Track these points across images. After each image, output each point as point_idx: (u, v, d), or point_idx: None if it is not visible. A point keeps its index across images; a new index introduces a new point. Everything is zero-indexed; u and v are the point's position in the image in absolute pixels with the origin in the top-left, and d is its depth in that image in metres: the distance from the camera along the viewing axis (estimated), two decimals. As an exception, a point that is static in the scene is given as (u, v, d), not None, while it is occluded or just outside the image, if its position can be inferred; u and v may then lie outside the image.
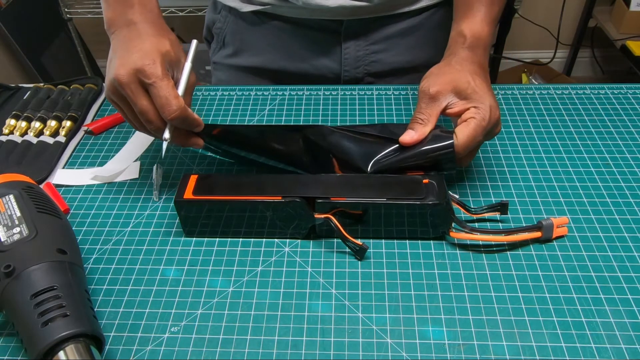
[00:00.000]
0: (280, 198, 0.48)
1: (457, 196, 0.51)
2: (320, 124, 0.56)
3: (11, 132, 0.65)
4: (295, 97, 0.70)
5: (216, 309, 0.45)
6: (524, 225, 0.51)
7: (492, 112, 0.49)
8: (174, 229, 0.52)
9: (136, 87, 0.46)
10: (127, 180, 0.58)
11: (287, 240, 0.51)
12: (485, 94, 0.50)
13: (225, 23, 0.77)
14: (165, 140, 0.48)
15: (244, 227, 0.50)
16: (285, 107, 0.68)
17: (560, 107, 0.67)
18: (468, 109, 0.50)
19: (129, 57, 0.47)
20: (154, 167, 0.58)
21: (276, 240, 0.51)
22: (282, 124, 0.65)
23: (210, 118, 0.67)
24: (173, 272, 0.48)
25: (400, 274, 0.47)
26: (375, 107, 0.68)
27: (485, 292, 0.45)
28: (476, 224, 0.52)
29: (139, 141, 0.64)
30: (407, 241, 0.50)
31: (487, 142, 0.61)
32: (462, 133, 0.48)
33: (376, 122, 0.65)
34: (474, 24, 0.55)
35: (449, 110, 0.51)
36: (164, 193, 0.57)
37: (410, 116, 0.66)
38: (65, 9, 1.73)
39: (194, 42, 0.51)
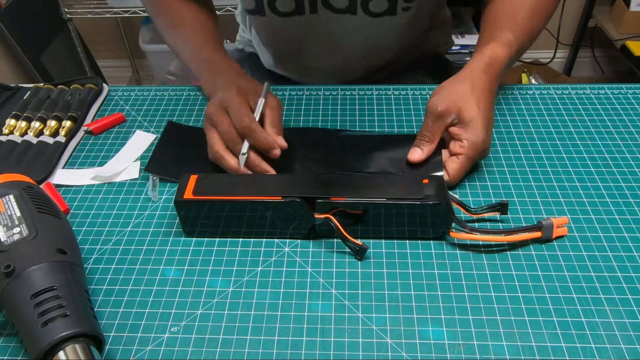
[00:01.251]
0: (280, 198, 0.48)
1: (457, 196, 0.51)
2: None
3: (11, 132, 0.65)
4: (295, 97, 0.70)
5: (216, 309, 0.45)
6: (524, 225, 0.51)
7: (483, 145, 0.53)
8: (174, 229, 0.52)
9: (221, 113, 0.55)
10: (127, 180, 0.58)
11: (287, 240, 0.51)
12: (482, 127, 0.52)
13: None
14: (243, 154, 0.53)
15: (244, 227, 0.50)
16: (285, 107, 0.68)
17: (560, 107, 0.67)
18: (462, 140, 0.53)
19: (216, 95, 0.57)
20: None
21: (276, 240, 0.51)
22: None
23: (210, 118, 0.67)
24: (173, 272, 0.48)
25: (400, 274, 0.47)
26: (375, 107, 0.68)
27: (485, 292, 0.45)
28: (476, 224, 0.52)
29: (139, 141, 0.64)
30: (407, 241, 0.50)
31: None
32: (452, 169, 0.53)
33: (376, 123, 0.65)
34: (497, 45, 0.58)
35: (450, 129, 0.54)
36: (163, 193, 0.57)
37: (409, 116, 0.66)
38: (65, 9, 1.73)
39: (266, 84, 0.59)
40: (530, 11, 0.62)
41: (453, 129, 0.54)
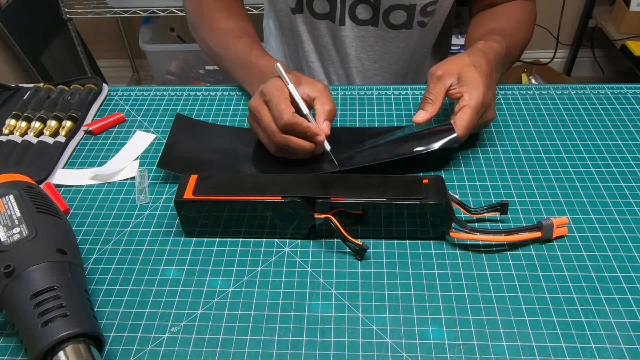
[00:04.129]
0: (280, 198, 0.48)
1: (457, 196, 0.51)
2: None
3: (11, 132, 0.65)
4: (295, 97, 0.70)
5: (216, 309, 0.45)
6: (524, 225, 0.51)
7: (484, 96, 0.55)
8: (174, 229, 0.52)
9: (261, 106, 0.55)
10: (127, 180, 0.58)
11: (287, 240, 0.51)
12: (482, 83, 0.55)
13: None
14: (328, 151, 0.56)
15: (244, 227, 0.50)
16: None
17: (560, 107, 0.67)
18: (462, 95, 0.55)
19: (259, 89, 0.57)
20: (137, 170, 0.58)
21: (276, 240, 0.51)
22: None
23: (210, 118, 0.67)
24: (173, 272, 0.48)
25: (400, 274, 0.47)
26: (375, 107, 0.68)
27: (485, 292, 0.45)
28: (476, 224, 0.52)
29: (139, 141, 0.64)
30: (407, 241, 0.50)
31: (487, 142, 0.61)
32: (461, 121, 0.54)
33: (376, 123, 0.65)
34: (487, 41, 0.62)
35: (450, 92, 0.57)
36: (163, 193, 0.57)
37: (409, 116, 0.66)
38: (65, 9, 1.73)
39: (276, 65, 0.58)
40: (513, 26, 0.70)
41: (454, 90, 0.56)
